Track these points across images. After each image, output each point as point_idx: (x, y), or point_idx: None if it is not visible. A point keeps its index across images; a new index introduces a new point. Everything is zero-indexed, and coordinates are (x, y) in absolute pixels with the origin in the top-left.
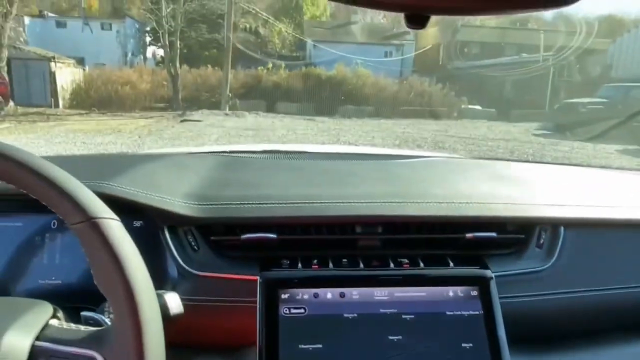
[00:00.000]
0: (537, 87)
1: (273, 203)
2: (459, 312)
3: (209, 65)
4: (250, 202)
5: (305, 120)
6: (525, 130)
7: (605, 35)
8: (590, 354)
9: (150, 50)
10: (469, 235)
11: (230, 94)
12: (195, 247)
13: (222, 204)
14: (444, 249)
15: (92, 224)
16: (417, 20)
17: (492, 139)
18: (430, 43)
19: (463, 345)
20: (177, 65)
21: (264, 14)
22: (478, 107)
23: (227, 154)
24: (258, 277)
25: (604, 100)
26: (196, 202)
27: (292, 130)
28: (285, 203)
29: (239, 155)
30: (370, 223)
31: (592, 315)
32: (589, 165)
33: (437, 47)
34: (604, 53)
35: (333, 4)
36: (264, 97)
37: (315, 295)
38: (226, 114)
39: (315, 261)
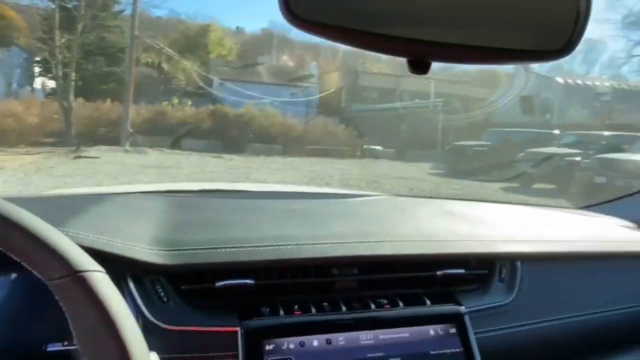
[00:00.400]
0: (429, 130)
1: (248, 246)
2: (442, 351)
3: (108, 99)
4: (224, 247)
5: (214, 157)
6: (421, 169)
7: (486, 85)
8: None
9: (39, 81)
10: (439, 272)
11: (131, 130)
12: (164, 298)
13: (192, 249)
14: (416, 287)
15: (77, 278)
16: (419, 66)
17: (393, 177)
18: (332, 87)
19: None
20: (71, 97)
21: (168, 49)
22: (379, 148)
23: (170, 194)
24: (238, 328)
25: (488, 143)
26: (163, 248)
27: (200, 168)
28: (261, 246)
29: (181, 195)
30: (349, 264)
31: (560, 343)
32: (517, 203)
33: (340, 91)
34: (485, 101)
35: (239, 44)
36: (169, 134)
37: (302, 344)
38: (126, 150)
39: (296, 307)
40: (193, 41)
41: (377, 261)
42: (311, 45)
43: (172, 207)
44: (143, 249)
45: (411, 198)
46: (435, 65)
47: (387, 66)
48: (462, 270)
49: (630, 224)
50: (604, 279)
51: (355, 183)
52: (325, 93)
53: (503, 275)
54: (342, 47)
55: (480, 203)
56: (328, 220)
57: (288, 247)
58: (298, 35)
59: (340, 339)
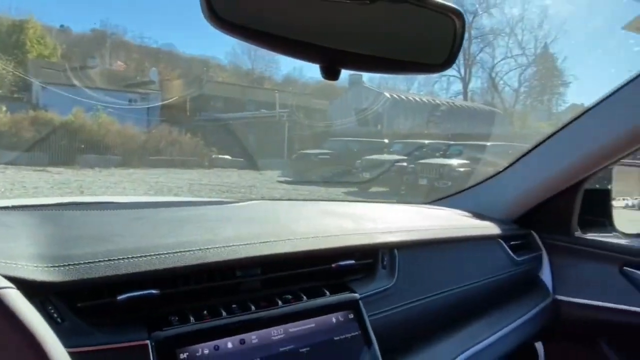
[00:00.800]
0: (276, 139)
1: (149, 256)
2: (344, 336)
3: None
4: (124, 258)
5: (36, 171)
6: (271, 177)
7: (324, 97)
8: (445, 344)
9: None
10: (334, 265)
11: None
12: (58, 319)
13: (86, 264)
14: (315, 281)
15: None
16: (331, 73)
17: (245, 186)
18: (176, 95)
19: None
20: None
21: None
22: (228, 157)
23: (27, 209)
24: (148, 341)
25: (330, 151)
26: (49, 265)
27: (20, 184)
28: (163, 254)
29: (41, 209)
30: (252, 265)
31: (437, 315)
32: (385, 201)
33: (184, 99)
34: (324, 112)
35: (65, 44)
36: None
37: (216, 348)
38: None
39: (205, 312)
40: (6, 38)
41: (279, 259)
42: (150, 50)
43: (42, 222)
44: (26, 266)
45: (289, 201)
46: (278, 77)
47: (232, 76)
48: (352, 261)
49: (467, 213)
50: (462, 258)
51: (206, 194)
52: (169, 101)
53: (385, 263)
54: (183, 54)
55: (352, 203)
56: (223, 225)
57: (191, 253)
58: (135, 37)
59: (253, 337)
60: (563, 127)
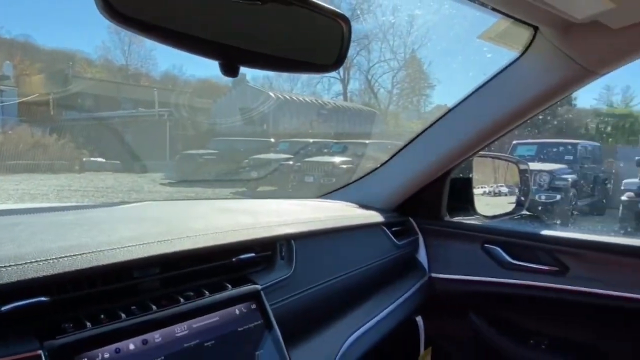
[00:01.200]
0: (157, 139)
1: (34, 262)
2: (247, 326)
3: None
4: (3, 266)
5: None
6: (153, 180)
7: (207, 96)
8: (340, 324)
9: None
10: (234, 259)
11: None
12: None
13: None
14: (217, 276)
15: None
16: (230, 69)
17: (122, 190)
18: (36, 91)
19: (256, 353)
20: None
21: None
22: (102, 160)
23: None
24: (40, 351)
25: (216, 151)
26: None
27: None
28: (52, 259)
29: None
30: (150, 264)
31: (333, 298)
32: (268, 198)
33: (47, 96)
34: (208, 111)
35: None
36: None
37: (117, 351)
38: None
39: (102, 316)
40: None
41: (179, 257)
42: (1, 42)
43: None
44: None
45: (183, 201)
46: (156, 74)
47: (104, 71)
48: (252, 254)
49: (354, 205)
50: (351, 245)
51: (78, 200)
52: (28, 98)
53: (283, 254)
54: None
55: (246, 200)
56: (116, 226)
57: (83, 256)
58: None
59: (156, 336)
60: (431, 126)
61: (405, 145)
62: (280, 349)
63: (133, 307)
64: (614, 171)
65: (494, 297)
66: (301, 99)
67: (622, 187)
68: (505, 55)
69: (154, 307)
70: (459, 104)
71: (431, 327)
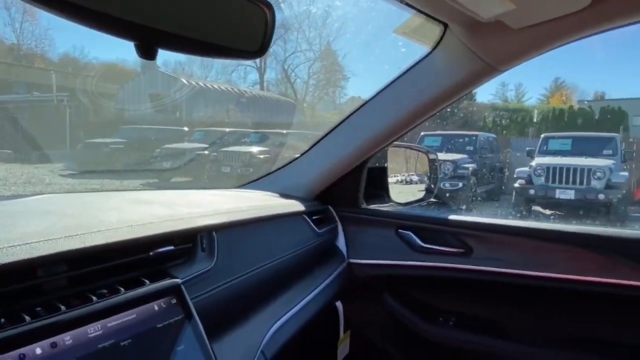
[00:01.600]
0: (56, 127)
1: None
2: (167, 322)
3: None
4: None
5: None
6: (51, 171)
7: (113, 81)
8: (264, 314)
9: None
10: (152, 253)
11: None
12: None
13: None
14: (133, 271)
15: None
16: (147, 51)
17: (17, 183)
18: None
19: (178, 349)
20: None
21: None
22: None
23: None
24: None
25: (124, 140)
26: None
27: None
28: None
29: None
30: (55, 262)
31: (256, 288)
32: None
33: None
34: (114, 97)
35: None
36: None
37: (22, 356)
38: None
39: (2, 320)
40: None
41: (90, 253)
42: None
43: None
44: None
45: (93, 192)
46: (54, 56)
47: None
48: (171, 247)
49: (274, 194)
50: (273, 235)
51: None
52: None
53: (204, 246)
54: None
55: (162, 191)
56: (16, 221)
57: None
58: None
59: (67, 338)
60: (348, 117)
61: (324, 136)
62: (203, 343)
63: (38, 309)
64: (508, 161)
65: (407, 279)
66: (216, 86)
67: (515, 176)
68: (419, 50)
69: (63, 308)
70: (375, 96)
71: (350, 311)
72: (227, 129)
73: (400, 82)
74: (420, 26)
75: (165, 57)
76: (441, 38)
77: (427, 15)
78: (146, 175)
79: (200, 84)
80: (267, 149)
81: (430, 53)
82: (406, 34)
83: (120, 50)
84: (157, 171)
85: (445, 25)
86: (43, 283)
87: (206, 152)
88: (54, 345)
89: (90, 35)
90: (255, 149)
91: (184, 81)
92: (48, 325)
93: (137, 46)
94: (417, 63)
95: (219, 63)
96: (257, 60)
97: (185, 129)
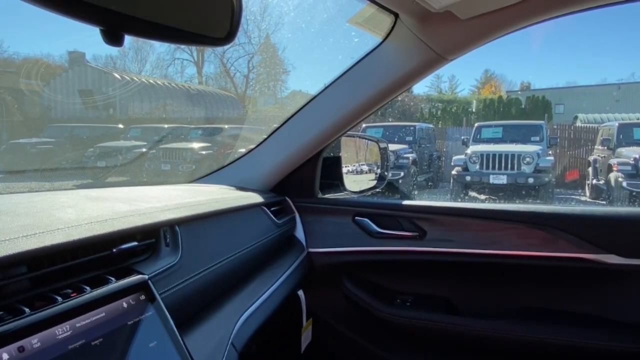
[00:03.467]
0: None
1: None
2: (137, 319)
3: None
4: None
5: None
6: None
7: (37, 77)
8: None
9: None
10: (115, 249)
11: None
12: None
13: None
14: (97, 270)
15: None
16: (113, 38)
17: None
18: None
19: (150, 345)
20: None
21: None
22: None
23: None
24: None
25: (52, 139)
26: None
27: None
28: None
29: None
30: (13, 264)
31: (222, 281)
32: (145, 184)
33: None
34: (40, 94)
35: None
36: None
37: None
38: None
39: None
40: None
41: (50, 252)
42: None
43: None
44: None
45: (45, 192)
46: None
47: None
48: (135, 243)
49: (231, 187)
50: (235, 227)
51: None
52: None
53: (168, 240)
54: None
55: (116, 187)
56: None
57: None
58: None
59: (34, 341)
60: (302, 108)
61: (278, 128)
62: (175, 337)
63: (1, 313)
64: (445, 150)
65: (365, 264)
66: (152, 81)
67: (452, 163)
68: (371, 40)
69: (27, 310)
70: (328, 87)
71: (311, 299)
72: (166, 125)
73: (352, 73)
74: (372, 17)
75: (95, 51)
76: (392, 28)
77: (379, 5)
78: (80, 175)
79: (135, 78)
80: (208, 144)
81: (381, 43)
82: (359, 24)
83: (44, 45)
84: (91, 171)
85: (396, 16)
86: (3, 286)
87: (144, 149)
88: (21, 349)
89: (10, 28)
90: (196, 144)
91: (117, 76)
92: (13, 329)
93: (104, 32)
94: (368, 54)
95: (152, 57)
96: (194, 53)
97: (120, 126)
